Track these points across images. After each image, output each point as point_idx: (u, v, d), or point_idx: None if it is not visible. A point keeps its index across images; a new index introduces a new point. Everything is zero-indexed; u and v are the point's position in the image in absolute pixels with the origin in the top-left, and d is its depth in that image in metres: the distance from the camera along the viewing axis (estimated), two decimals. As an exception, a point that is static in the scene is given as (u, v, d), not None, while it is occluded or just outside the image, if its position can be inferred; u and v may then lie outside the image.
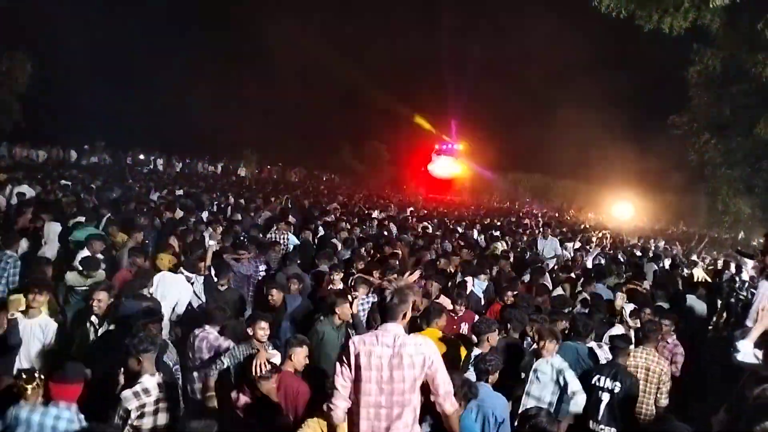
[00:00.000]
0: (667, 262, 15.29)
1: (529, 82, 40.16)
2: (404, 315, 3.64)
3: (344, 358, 3.56)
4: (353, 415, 3.55)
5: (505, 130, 39.99)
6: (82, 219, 9.76)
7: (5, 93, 22.55)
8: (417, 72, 40.48)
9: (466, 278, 8.68)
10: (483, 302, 8.31)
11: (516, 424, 4.88)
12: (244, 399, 4.68)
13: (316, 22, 40.48)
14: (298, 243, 10.84)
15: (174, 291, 6.85)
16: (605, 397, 5.51)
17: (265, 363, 4.61)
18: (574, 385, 5.32)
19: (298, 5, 40.69)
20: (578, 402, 5.28)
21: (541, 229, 16.34)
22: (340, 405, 3.51)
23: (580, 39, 34.99)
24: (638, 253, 16.45)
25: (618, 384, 5.49)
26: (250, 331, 5.34)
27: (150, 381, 4.22)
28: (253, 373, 4.56)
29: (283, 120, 39.50)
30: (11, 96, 22.72)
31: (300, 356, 4.91)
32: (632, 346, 6.08)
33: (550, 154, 40.41)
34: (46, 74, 24.60)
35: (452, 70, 41.17)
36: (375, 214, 18.23)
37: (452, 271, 9.62)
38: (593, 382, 5.59)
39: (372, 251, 10.39)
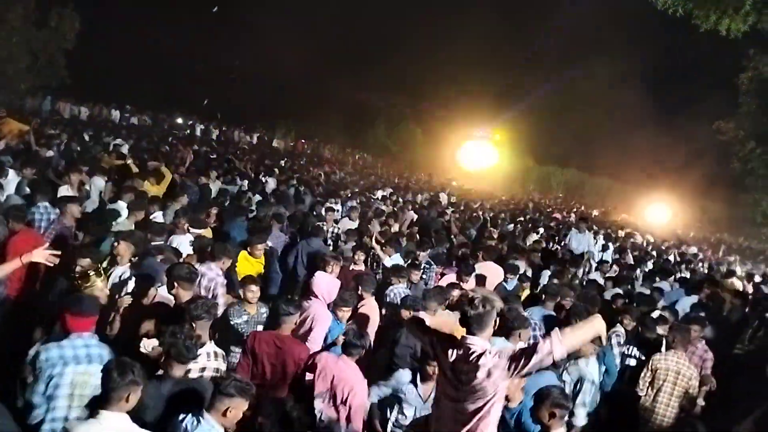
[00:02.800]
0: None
1: (571, 76, 39.49)
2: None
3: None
4: None
5: (542, 122, 39.48)
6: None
7: (52, 49, 22.97)
8: (457, 58, 39.92)
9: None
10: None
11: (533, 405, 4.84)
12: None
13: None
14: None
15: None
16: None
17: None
18: (584, 398, 5.37)
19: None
20: (579, 416, 5.34)
21: (576, 223, 16.13)
22: None
23: (627, 37, 34.25)
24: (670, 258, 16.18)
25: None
26: (241, 293, 5.71)
27: (201, 348, 4.23)
28: None
29: (320, 94, 39.52)
30: (58, 52, 23.14)
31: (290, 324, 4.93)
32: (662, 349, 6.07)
33: (587, 149, 39.81)
34: (93, 31, 24.95)
35: (493, 58, 40.61)
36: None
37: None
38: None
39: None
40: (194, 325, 4.29)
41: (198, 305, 4.36)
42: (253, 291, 5.62)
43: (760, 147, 18.77)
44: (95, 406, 3.29)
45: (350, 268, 7.53)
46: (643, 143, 34.54)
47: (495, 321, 3.50)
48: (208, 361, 4.27)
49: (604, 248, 14.28)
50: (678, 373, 5.87)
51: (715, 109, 21.64)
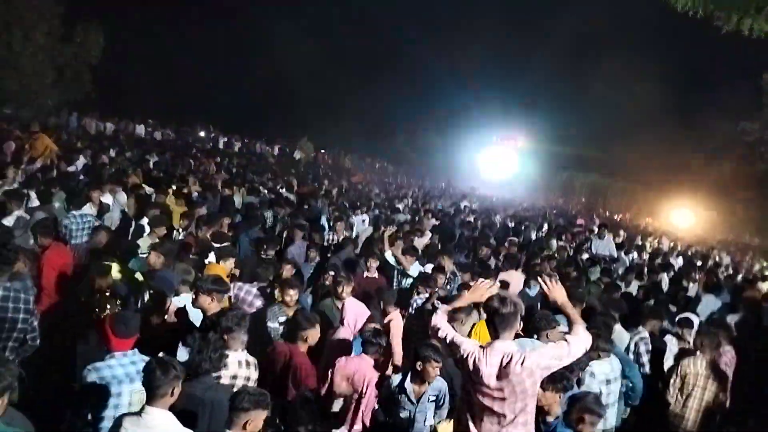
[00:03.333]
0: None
1: (592, 79, 39.17)
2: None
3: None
4: None
5: (564, 126, 39.21)
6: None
7: (78, 64, 23.42)
8: (476, 63, 39.95)
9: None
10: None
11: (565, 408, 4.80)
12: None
13: (377, 8, 40.41)
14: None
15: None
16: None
17: None
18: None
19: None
20: None
21: (596, 229, 15.98)
22: None
23: (649, 39, 33.92)
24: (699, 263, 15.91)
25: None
26: (278, 295, 5.91)
27: (231, 356, 4.27)
28: None
29: (339, 104, 39.74)
30: (83, 67, 23.58)
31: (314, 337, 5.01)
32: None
33: (610, 154, 39.40)
34: (118, 46, 25.41)
35: (513, 63, 40.56)
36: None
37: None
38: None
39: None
40: (225, 337, 4.30)
41: (229, 317, 4.36)
42: (291, 295, 5.79)
43: (787, 148, 18.47)
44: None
45: (364, 275, 7.59)
46: (666, 146, 34.03)
47: (519, 323, 3.66)
48: (239, 369, 4.29)
49: (626, 253, 14.15)
50: (708, 378, 5.77)
51: (739, 110, 21.36)
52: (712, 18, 10.52)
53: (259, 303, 6.02)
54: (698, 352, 5.99)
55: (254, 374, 4.42)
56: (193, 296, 5.04)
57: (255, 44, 36.98)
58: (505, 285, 7.84)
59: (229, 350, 4.30)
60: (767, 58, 17.60)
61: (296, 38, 37.99)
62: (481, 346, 3.69)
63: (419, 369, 4.62)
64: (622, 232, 20.93)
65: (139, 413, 3.35)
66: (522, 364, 3.46)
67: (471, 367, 3.63)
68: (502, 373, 3.50)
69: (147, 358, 3.86)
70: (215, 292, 4.93)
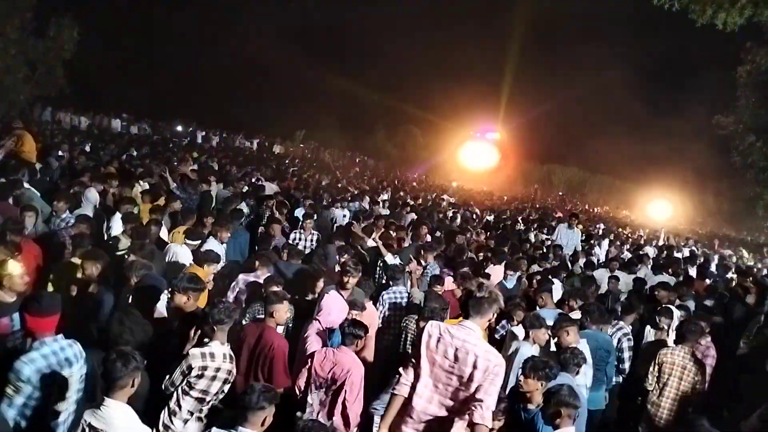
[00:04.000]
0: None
1: (569, 73, 39.55)
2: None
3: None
4: None
5: (542, 120, 39.53)
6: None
7: (51, 59, 22.98)
8: (455, 57, 40.09)
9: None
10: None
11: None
12: None
13: (357, 3, 40.29)
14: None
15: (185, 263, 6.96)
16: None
17: None
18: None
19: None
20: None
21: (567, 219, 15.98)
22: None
23: (625, 34, 34.24)
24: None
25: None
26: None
27: (218, 348, 4.30)
28: None
29: (319, 98, 39.59)
30: (57, 62, 23.15)
31: (281, 312, 5.13)
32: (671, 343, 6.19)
33: (588, 148, 39.82)
34: (92, 41, 24.97)
35: (492, 58, 40.71)
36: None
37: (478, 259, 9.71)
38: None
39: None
40: (215, 328, 4.32)
41: (220, 309, 4.37)
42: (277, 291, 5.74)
43: (760, 140, 18.76)
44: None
45: (335, 269, 7.55)
46: (643, 140, 34.58)
47: (493, 314, 3.98)
48: (223, 362, 4.31)
49: (596, 244, 14.29)
50: (684, 368, 5.89)
51: (714, 104, 21.68)
52: (687, 11, 10.68)
53: None
54: (677, 344, 6.11)
55: (234, 368, 4.45)
56: (169, 295, 5.01)
57: (233, 38, 36.66)
58: (486, 276, 7.94)
59: (216, 341, 4.33)
60: (740, 51, 17.81)
61: (276, 32, 37.77)
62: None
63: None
64: (600, 225, 21.21)
65: (98, 405, 3.34)
66: (481, 358, 3.79)
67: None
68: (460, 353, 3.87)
69: (72, 342, 3.86)
70: (191, 290, 4.94)
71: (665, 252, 15.32)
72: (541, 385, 4.34)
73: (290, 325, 6.07)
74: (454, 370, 3.89)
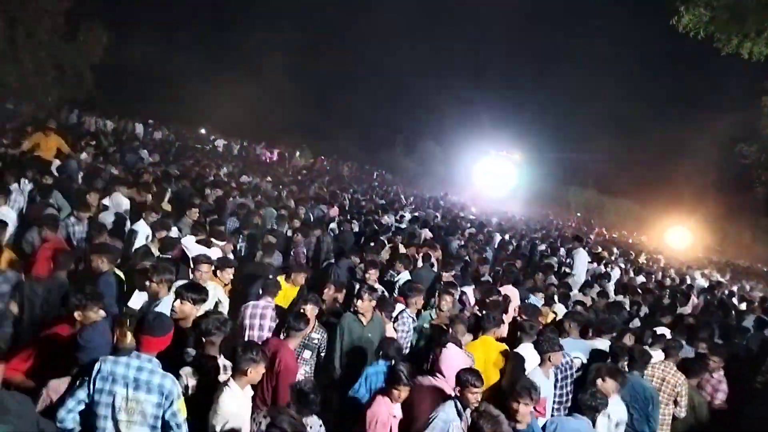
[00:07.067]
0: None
1: (592, 97, 39.41)
2: None
3: None
4: None
5: (562, 142, 39.42)
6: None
7: (80, 63, 23.44)
8: (477, 74, 40.23)
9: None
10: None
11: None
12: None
13: (378, 18, 40.55)
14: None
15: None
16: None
17: None
18: None
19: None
20: None
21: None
22: None
23: (649, 60, 34.11)
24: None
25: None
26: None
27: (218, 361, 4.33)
28: None
29: (339, 112, 39.84)
30: (85, 66, 23.61)
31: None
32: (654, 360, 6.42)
33: (608, 171, 39.60)
34: (120, 46, 25.44)
35: (513, 77, 40.80)
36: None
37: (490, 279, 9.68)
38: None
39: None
40: (204, 340, 4.27)
41: (210, 320, 4.33)
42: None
43: (783, 171, 18.55)
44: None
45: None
46: (664, 166, 34.29)
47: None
48: (224, 374, 4.29)
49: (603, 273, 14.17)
50: (663, 380, 6.24)
51: (737, 133, 21.46)
52: (712, 40, 10.62)
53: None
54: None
55: None
56: (177, 304, 4.90)
57: (258, 48, 37.04)
58: (506, 300, 7.87)
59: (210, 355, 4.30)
60: (765, 80, 17.66)
61: (298, 45, 38.15)
62: None
63: (458, 395, 4.55)
64: (615, 249, 21.01)
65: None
66: None
67: None
68: None
69: (155, 368, 3.73)
70: (200, 302, 4.92)
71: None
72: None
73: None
74: None
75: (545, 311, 8.14)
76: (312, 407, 4.03)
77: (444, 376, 5.18)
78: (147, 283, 5.28)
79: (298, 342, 5.28)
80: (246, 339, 5.72)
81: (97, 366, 3.63)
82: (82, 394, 3.60)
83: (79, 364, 3.96)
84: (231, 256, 7.65)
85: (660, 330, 7.84)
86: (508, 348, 6.04)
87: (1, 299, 5.27)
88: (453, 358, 5.36)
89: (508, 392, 4.70)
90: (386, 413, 4.52)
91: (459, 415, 4.46)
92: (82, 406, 3.61)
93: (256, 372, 4.04)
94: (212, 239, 7.64)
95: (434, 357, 5.55)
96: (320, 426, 4.21)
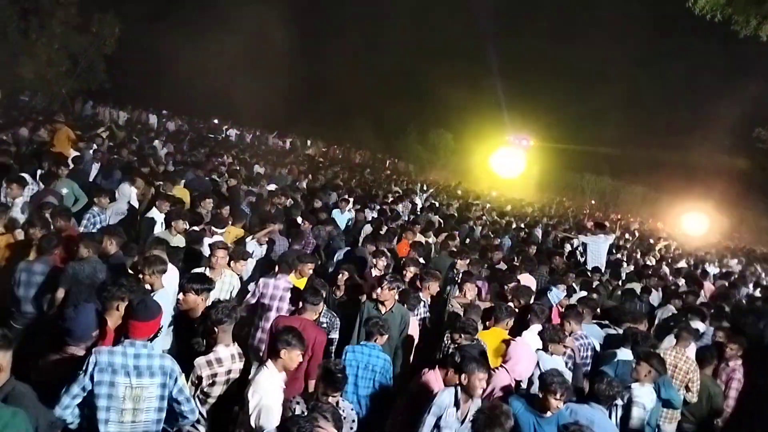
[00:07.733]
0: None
1: (606, 82, 38.93)
2: None
3: None
4: None
5: (577, 128, 39.00)
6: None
7: (93, 54, 23.57)
8: (491, 62, 39.80)
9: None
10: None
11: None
12: None
13: (391, 5, 40.23)
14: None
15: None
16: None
17: None
18: (632, 423, 5.28)
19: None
20: None
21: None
22: None
23: (664, 44, 33.61)
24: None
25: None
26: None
27: (224, 351, 4.26)
28: None
29: (352, 100, 39.64)
30: (98, 57, 23.74)
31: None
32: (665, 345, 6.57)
33: (622, 158, 39.18)
34: (133, 37, 25.48)
35: (527, 64, 40.37)
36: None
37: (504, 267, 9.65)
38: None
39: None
40: (216, 329, 4.26)
41: (219, 309, 4.31)
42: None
43: (802, 156, 18.28)
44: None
45: (372, 274, 7.55)
46: (680, 151, 33.81)
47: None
48: (233, 363, 4.29)
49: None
50: (675, 367, 6.23)
51: (755, 117, 21.16)
52: (730, 22, 10.44)
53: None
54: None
55: (242, 367, 4.42)
56: (182, 296, 4.93)
57: (271, 38, 36.90)
58: (527, 290, 7.52)
59: (221, 344, 4.26)
60: (785, 64, 17.39)
61: (311, 34, 37.98)
62: None
63: (464, 383, 4.51)
64: (628, 235, 20.86)
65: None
66: None
67: None
68: None
69: (151, 351, 3.74)
70: (204, 291, 4.93)
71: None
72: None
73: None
74: None
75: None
76: (338, 386, 4.07)
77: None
78: (140, 276, 5.21)
79: (313, 317, 5.46)
80: (263, 318, 6.01)
81: (92, 359, 3.57)
82: (77, 388, 3.53)
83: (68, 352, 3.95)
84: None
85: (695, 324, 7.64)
86: (509, 336, 6.01)
87: (30, 288, 5.40)
88: (524, 350, 5.55)
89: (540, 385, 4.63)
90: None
91: (456, 404, 4.47)
92: (78, 400, 3.56)
93: (289, 356, 4.06)
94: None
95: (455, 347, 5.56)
96: (351, 410, 4.37)
